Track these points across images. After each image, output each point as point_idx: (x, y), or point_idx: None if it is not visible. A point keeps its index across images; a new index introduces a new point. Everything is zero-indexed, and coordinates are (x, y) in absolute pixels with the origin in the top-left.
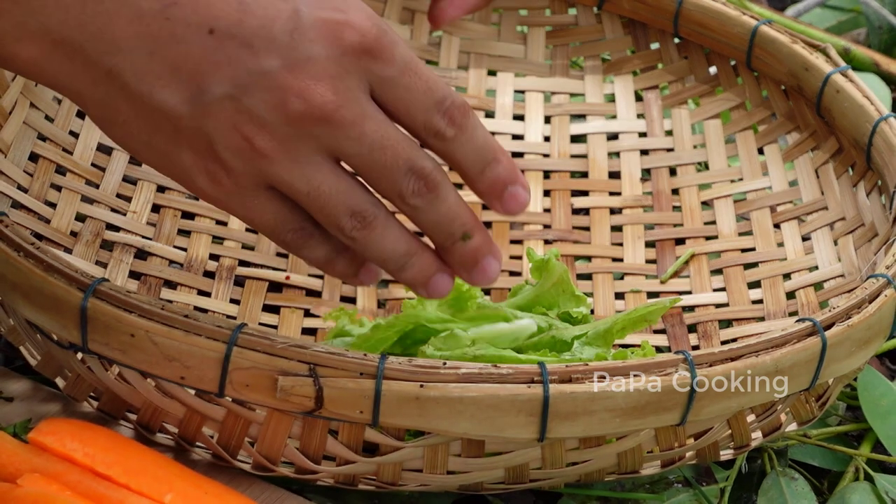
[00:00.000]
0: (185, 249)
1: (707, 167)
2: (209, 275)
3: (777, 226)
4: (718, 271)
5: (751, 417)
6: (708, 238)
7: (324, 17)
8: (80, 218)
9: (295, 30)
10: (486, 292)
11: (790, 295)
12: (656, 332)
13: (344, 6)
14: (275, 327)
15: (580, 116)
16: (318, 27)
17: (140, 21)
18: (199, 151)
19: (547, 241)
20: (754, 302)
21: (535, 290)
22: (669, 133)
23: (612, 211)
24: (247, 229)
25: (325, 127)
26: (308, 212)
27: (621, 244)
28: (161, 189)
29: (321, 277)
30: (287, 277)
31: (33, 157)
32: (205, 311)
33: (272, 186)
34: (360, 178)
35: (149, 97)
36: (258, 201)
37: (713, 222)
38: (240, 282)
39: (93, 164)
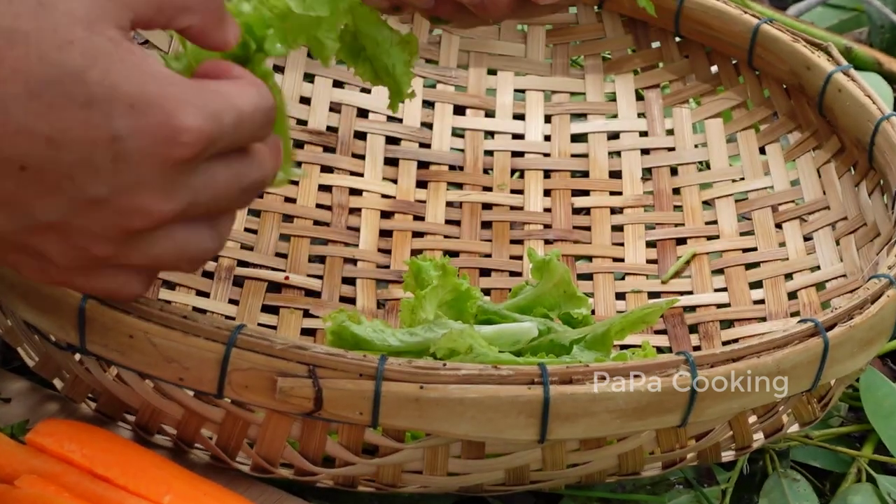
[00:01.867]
0: None
1: (708, 166)
2: (208, 275)
3: (779, 226)
4: (720, 271)
5: (752, 419)
6: (709, 238)
7: (147, 136)
8: None
9: (117, 156)
10: (486, 293)
11: (792, 295)
12: (657, 332)
13: (168, 110)
14: (274, 328)
15: (581, 115)
16: (143, 149)
17: None
18: (26, 253)
19: (547, 241)
20: (756, 302)
21: (536, 290)
22: (670, 132)
23: (613, 211)
24: (246, 229)
25: (165, 227)
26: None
27: (622, 244)
28: None
29: (320, 278)
30: (286, 278)
31: None
32: (203, 311)
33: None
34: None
35: None
36: (92, 277)
37: (714, 222)
38: (238, 282)
39: None
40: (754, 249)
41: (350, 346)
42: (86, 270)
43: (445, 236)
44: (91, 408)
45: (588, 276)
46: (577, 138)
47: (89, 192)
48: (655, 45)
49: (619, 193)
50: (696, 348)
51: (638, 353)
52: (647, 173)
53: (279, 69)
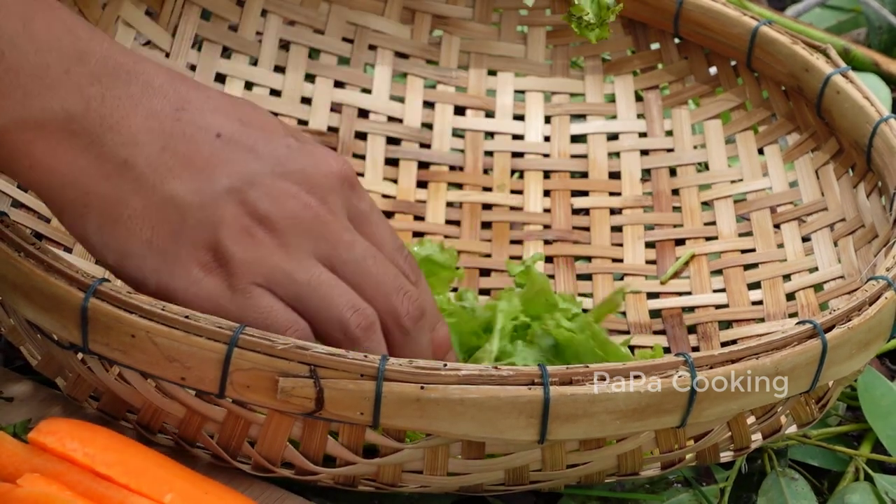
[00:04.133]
0: None
1: (707, 168)
2: None
3: (777, 227)
4: (718, 272)
5: (751, 419)
6: (708, 239)
7: (310, 149)
8: None
9: (289, 147)
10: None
11: (790, 296)
12: (656, 333)
13: (322, 154)
14: None
15: (580, 116)
16: (308, 154)
17: (154, 118)
18: (197, 244)
19: (547, 242)
20: (754, 303)
21: (521, 296)
22: (669, 133)
23: (612, 211)
24: None
25: (319, 227)
26: (307, 308)
27: (621, 245)
28: None
29: None
30: None
31: None
32: None
33: (268, 284)
34: None
35: (161, 187)
36: (251, 297)
37: (713, 223)
38: None
39: None
40: (753, 250)
41: None
42: (239, 283)
43: (445, 236)
44: (93, 407)
45: (587, 277)
46: (577, 139)
47: (263, 165)
48: (655, 46)
49: (619, 194)
50: (695, 349)
51: (645, 353)
52: (647, 174)
53: (280, 69)
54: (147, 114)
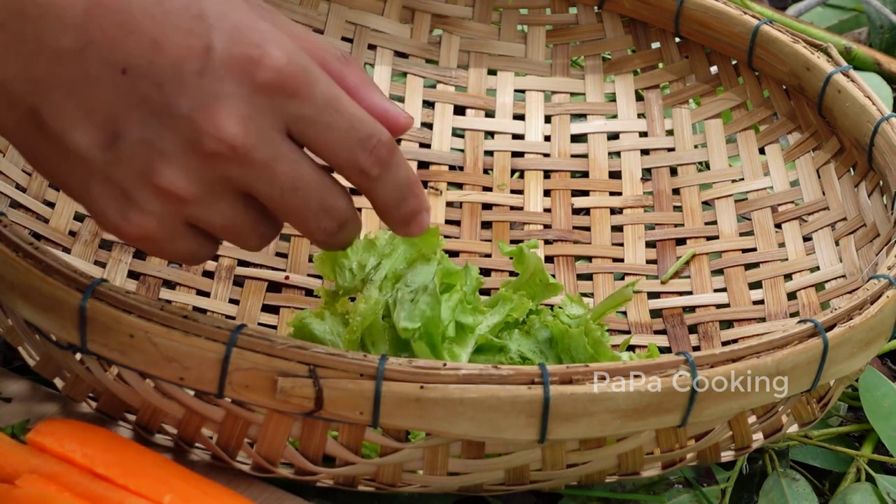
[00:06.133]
0: None
1: (708, 167)
2: (208, 275)
3: (778, 226)
4: (719, 272)
5: (752, 419)
6: (709, 238)
7: (236, 54)
8: (79, 217)
9: (204, 69)
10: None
11: (791, 296)
12: (657, 332)
13: (261, 41)
14: (274, 328)
15: (581, 116)
16: (230, 65)
17: (58, 60)
18: (112, 191)
19: (547, 241)
20: (755, 303)
21: (516, 282)
22: (670, 133)
23: (613, 211)
24: None
25: (236, 167)
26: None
27: (622, 244)
28: None
29: (320, 278)
30: (286, 277)
31: None
32: (204, 311)
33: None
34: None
35: (62, 137)
36: (173, 239)
37: (714, 222)
38: (239, 282)
39: None
40: (754, 250)
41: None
42: (167, 221)
43: (445, 236)
44: (92, 407)
45: (588, 277)
46: (577, 138)
47: (172, 105)
48: (655, 45)
49: (619, 194)
50: (696, 348)
51: (641, 354)
52: (647, 174)
53: None
54: (51, 56)
